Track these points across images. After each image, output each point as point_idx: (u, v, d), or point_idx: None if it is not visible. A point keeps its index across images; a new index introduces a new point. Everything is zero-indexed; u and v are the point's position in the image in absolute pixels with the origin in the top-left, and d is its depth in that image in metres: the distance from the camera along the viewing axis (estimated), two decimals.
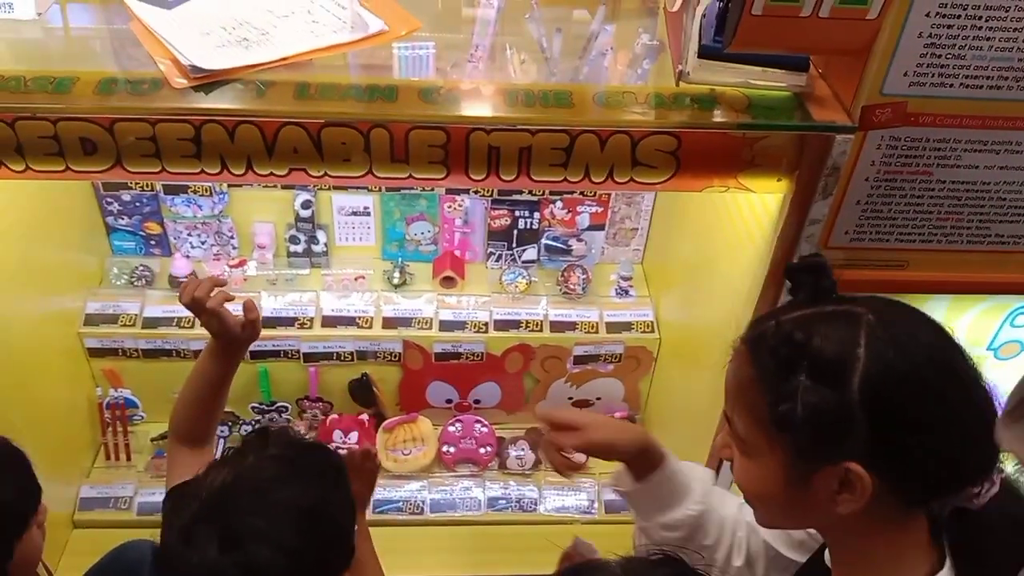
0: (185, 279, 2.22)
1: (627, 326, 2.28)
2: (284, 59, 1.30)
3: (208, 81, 1.25)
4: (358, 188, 2.22)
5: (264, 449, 1.14)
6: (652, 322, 2.27)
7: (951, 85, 1.24)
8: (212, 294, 1.38)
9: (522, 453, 2.36)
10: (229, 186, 2.20)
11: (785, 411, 0.84)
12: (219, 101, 1.24)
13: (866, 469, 0.82)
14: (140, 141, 1.23)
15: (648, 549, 0.97)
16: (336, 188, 2.23)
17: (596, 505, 2.28)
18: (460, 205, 2.31)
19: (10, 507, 1.27)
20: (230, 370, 1.43)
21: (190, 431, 1.42)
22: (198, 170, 1.26)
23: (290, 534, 1.06)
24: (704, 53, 1.29)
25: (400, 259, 2.35)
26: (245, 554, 1.03)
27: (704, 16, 1.31)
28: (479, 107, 1.29)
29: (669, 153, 1.29)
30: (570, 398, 2.41)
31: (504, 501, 2.28)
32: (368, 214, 2.31)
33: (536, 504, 2.28)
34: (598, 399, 2.42)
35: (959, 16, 1.17)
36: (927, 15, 1.18)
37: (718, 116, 1.28)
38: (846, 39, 1.21)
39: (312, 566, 1.09)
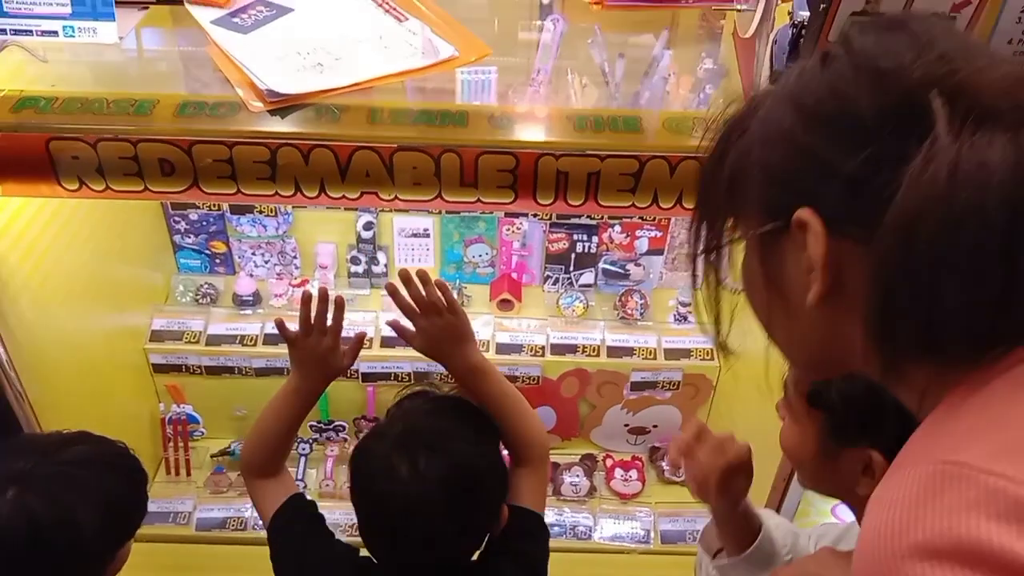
0: (249, 297, 2.27)
1: (686, 353, 2.25)
2: (357, 84, 1.32)
3: (284, 105, 1.28)
4: (421, 210, 2.24)
5: (417, 399, 1.29)
6: (712, 349, 2.24)
7: None
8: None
9: (577, 480, 2.33)
10: (294, 207, 2.24)
11: (818, 390, 1.01)
12: (294, 125, 1.26)
13: (886, 459, 0.89)
14: (217, 163, 1.26)
15: None
16: (397, 210, 2.25)
17: (652, 535, 2.25)
18: (519, 228, 2.31)
19: (129, 513, 1.31)
20: (310, 406, 1.41)
21: (268, 466, 1.40)
22: (272, 192, 1.28)
23: (472, 434, 1.23)
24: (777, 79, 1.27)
25: (458, 281, 2.36)
26: (447, 453, 1.17)
27: (775, 42, 1.31)
28: (549, 132, 1.30)
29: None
30: (626, 425, 2.38)
31: (558, 528, 2.26)
32: (428, 236, 2.32)
33: (591, 532, 2.25)
34: (655, 427, 2.39)
35: None
36: (1009, 42, 1.15)
37: None
38: None
39: (497, 461, 1.28)
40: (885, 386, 0.67)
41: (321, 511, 2.17)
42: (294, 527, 1.36)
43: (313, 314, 1.33)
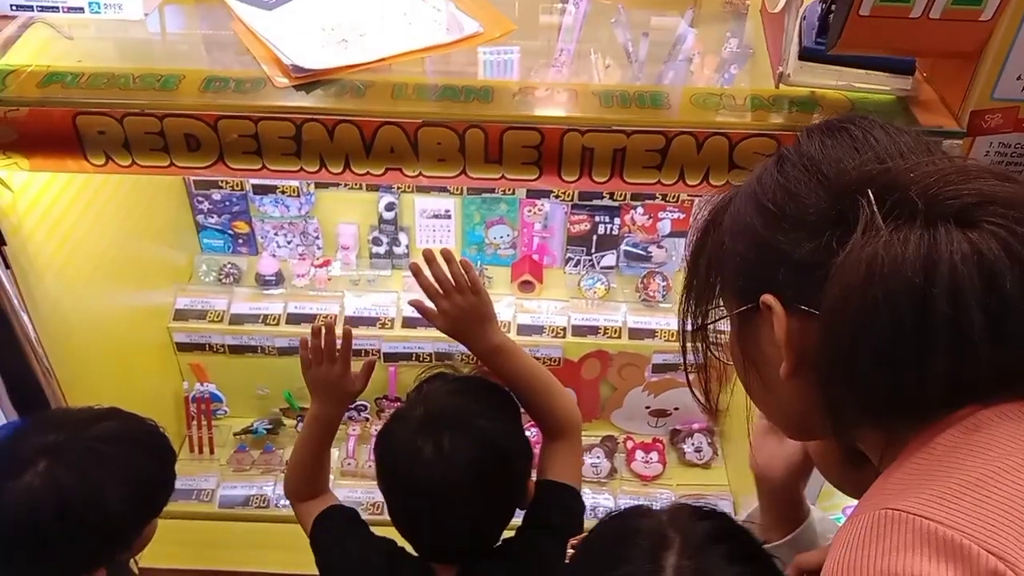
0: (272, 276, 2.28)
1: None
2: (382, 59, 1.32)
3: (308, 81, 1.28)
4: (441, 190, 2.24)
5: (435, 381, 1.31)
6: None
7: None
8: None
9: (597, 461, 2.33)
10: (316, 186, 2.24)
11: None
12: (319, 100, 1.26)
13: None
14: (242, 139, 1.25)
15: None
16: (419, 191, 2.25)
17: None
18: (540, 210, 2.30)
19: (156, 490, 1.32)
20: (333, 430, 1.45)
21: (307, 490, 1.44)
22: (297, 168, 1.28)
23: (494, 412, 1.24)
24: (806, 55, 1.26)
25: (479, 262, 2.36)
26: (470, 433, 1.18)
27: (804, 18, 1.29)
28: (574, 108, 1.28)
29: (768, 156, 1.26)
30: (647, 407, 2.38)
31: None
32: (449, 217, 2.32)
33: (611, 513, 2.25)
34: (676, 409, 2.38)
35: None
36: None
37: (818, 119, 1.25)
38: (957, 41, 1.17)
39: (520, 435, 1.28)
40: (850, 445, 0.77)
41: (343, 489, 2.20)
42: (332, 531, 1.38)
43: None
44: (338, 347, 1.38)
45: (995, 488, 0.60)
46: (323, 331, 1.38)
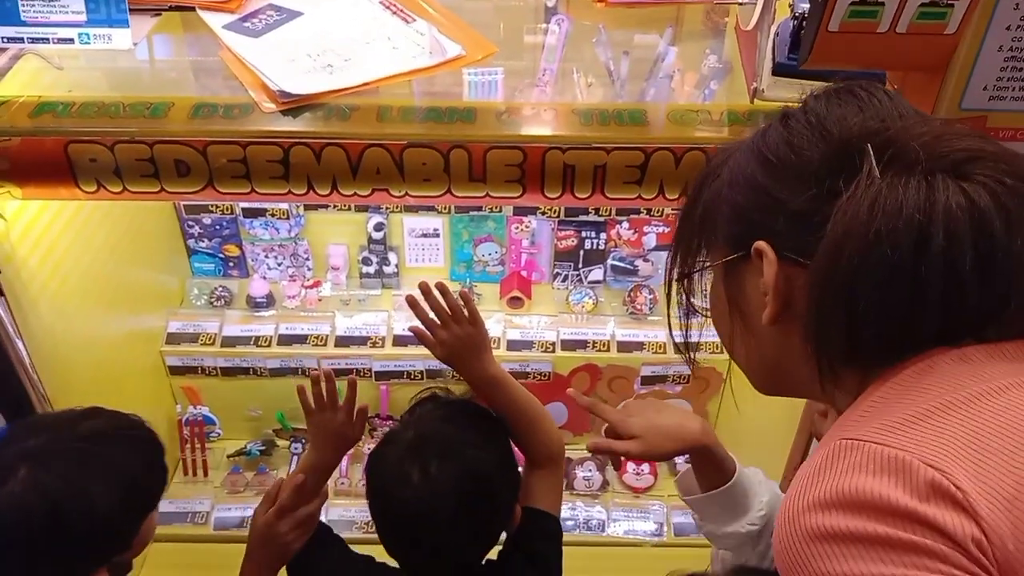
0: (263, 298, 2.29)
1: (695, 346, 2.26)
2: (366, 83, 1.35)
3: (295, 105, 1.30)
4: (429, 210, 2.27)
5: (428, 404, 1.34)
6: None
7: None
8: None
9: (589, 474, 2.35)
10: (306, 208, 2.27)
11: None
12: (306, 124, 1.29)
13: None
14: (231, 163, 1.28)
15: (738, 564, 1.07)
16: (407, 210, 2.28)
17: (665, 528, 2.26)
18: (527, 226, 2.33)
19: (146, 486, 1.29)
20: (326, 479, 1.46)
21: None
22: (286, 191, 1.31)
23: (482, 439, 1.27)
24: (778, 70, 1.30)
25: (468, 280, 2.39)
26: (457, 459, 1.21)
27: (778, 34, 1.33)
28: (555, 126, 1.32)
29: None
30: None
31: (571, 522, 2.27)
32: (437, 236, 2.35)
33: (603, 526, 2.27)
34: None
35: None
36: (1008, 28, 1.16)
37: None
38: (924, 54, 1.20)
39: (508, 465, 1.31)
40: (827, 396, 0.78)
41: (336, 509, 2.21)
42: (308, 544, 1.39)
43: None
44: (340, 390, 1.39)
45: (937, 418, 0.65)
46: (322, 379, 1.38)
